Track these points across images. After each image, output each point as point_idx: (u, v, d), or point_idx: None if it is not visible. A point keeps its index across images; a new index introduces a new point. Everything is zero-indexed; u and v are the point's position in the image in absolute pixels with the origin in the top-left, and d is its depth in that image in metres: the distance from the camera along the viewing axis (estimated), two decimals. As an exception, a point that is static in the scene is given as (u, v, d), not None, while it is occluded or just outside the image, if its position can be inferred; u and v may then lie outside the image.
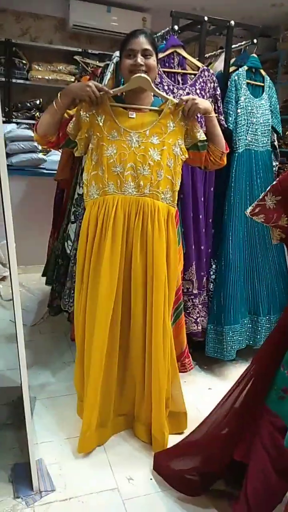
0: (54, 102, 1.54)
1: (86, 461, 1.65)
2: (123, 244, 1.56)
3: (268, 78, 2.25)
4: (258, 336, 2.26)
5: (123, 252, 1.57)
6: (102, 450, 1.71)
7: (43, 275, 2.65)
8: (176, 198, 1.62)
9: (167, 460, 1.58)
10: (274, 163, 2.31)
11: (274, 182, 1.25)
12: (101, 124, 1.54)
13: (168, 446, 1.67)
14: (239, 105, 2.07)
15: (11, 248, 1.30)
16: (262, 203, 1.25)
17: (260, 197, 1.27)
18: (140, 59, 1.51)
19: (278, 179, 1.25)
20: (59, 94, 1.53)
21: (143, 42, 1.51)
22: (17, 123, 4.04)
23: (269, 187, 1.25)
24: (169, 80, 1.95)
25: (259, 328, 2.24)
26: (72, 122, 1.55)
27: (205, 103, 1.57)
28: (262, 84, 2.21)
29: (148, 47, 1.52)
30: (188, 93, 1.95)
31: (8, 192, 1.27)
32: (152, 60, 1.54)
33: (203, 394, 2.10)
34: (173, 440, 1.68)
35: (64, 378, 2.16)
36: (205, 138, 1.61)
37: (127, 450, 1.72)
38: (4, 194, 1.24)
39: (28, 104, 4.44)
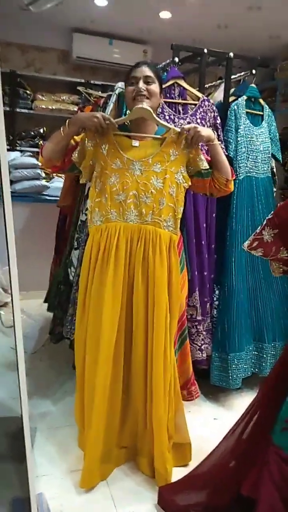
0: (61, 129, 1.58)
1: (88, 496, 1.59)
2: (125, 271, 1.56)
3: (267, 107, 2.30)
4: (264, 364, 2.22)
5: (125, 279, 1.57)
6: (105, 484, 1.65)
7: (45, 301, 2.64)
8: (179, 225, 1.62)
9: (171, 495, 1.53)
10: (273, 189, 2.33)
11: (270, 216, 1.25)
12: (104, 153, 1.57)
13: (173, 479, 1.62)
14: (239, 133, 2.10)
15: (13, 274, 1.29)
16: (259, 237, 1.25)
17: (257, 230, 1.27)
18: (141, 85, 1.55)
19: (273, 212, 1.25)
20: (67, 122, 1.58)
21: (144, 70, 1.57)
22: (21, 151, 4.11)
23: (265, 220, 1.25)
24: (170, 110, 1.99)
25: (264, 356, 2.20)
26: (77, 151, 1.59)
27: (207, 131, 1.58)
28: (261, 113, 2.26)
29: (150, 74, 1.57)
30: (189, 122, 1.99)
31: (11, 217, 1.27)
32: (154, 87, 1.58)
33: (208, 424, 2.05)
34: (177, 472, 1.63)
35: (65, 408, 2.11)
36: (208, 167, 1.62)
37: (130, 484, 1.67)
38: (7, 219, 1.24)
39: (32, 133, 4.53)
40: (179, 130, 1.57)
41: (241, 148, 2.10)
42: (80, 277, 1.65)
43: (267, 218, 1.25)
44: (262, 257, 1.27)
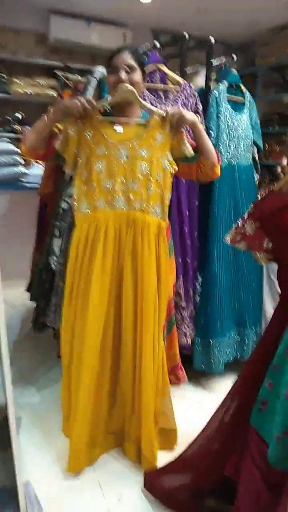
0: (45, 117, 1.54)
1: (75, 481, 1.61)
2: (114, 259, 1.56)
3: (248, 94, 2.30)
4: (246, 349, 2.26)
5: (114, 267, 1.56)
6: (92, 470, 1.68)
7: (27, 290, 2.61)
8: (167, 211, 1.62)
9: (157, 478, 1.56)
10: (255, 177, 2.35)
11: (251, 209, 1.25)
12: (89, 139, 1.54)
13: (158, 464, 1.65)
14: (220, 119, 2.10)
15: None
16: (242, 231, 1.26)
17: (239, 224, 1.27)
18: (123, 75, 1.52)
19: (253, 204, 1.25)
20: (51, 109, 1.55)
21: (126, 58, 1.53)
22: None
23: (246, 213, 1.25)
24: (151, 96, 1.97)
25: (247, 341, 2.25)
26: (60, 140, 1.55)
27: (191, 115, 1.56)
28: (243, 99, 2.26)
29: (131, 62, 1.54)
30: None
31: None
32: (136, 75, 1.55)
33: (192, 408, 2.09)
34: (163, 457, 1.66)
35: (50, 396, 2.12)
36: (193, 153, 1.60)
37: (117, 469, 1.69)
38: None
39: (9, 118, 4.41)
40: (163, 113, 1.55)
41: (223, 135, 2.10)
42: (68, 266, 1.62)
43: (247, 211, 1.26)
44: (247, 250, 1.28)
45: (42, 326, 2.20)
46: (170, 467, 1.55)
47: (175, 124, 1.54)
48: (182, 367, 2.07)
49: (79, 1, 4.02)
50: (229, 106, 2.15)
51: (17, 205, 3.43)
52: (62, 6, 4.18)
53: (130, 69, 1.54)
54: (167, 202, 1.59)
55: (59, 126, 1.57)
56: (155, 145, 1.55)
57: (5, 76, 4.29)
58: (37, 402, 2.08)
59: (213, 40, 2.15)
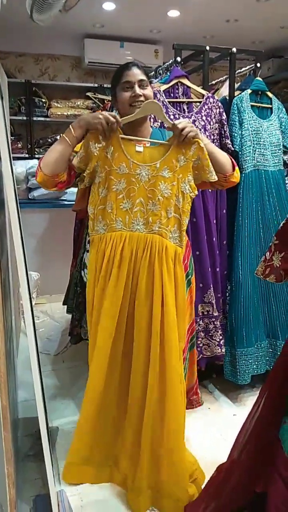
0: (65, 136, 1.45)
1: (108, 492, 1.63)
2: (128, 282, 1.49)
3: (276, 100, 2.27)
4: (279, 361, 2.19)
5: (128, 290, 1.50)
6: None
7: (63, 304, 2.70)
8: (184, 239, 1.55)
9: (198, 508, 1.49)
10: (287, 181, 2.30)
11: (274, 240, 1.23)
12: (109, 156, 1.47)
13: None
14: (243, 127, 2.09)
15: (22, 277, 1.33)
16: (270, 263, 1.24)
17: (267, 256, 1.25)
18: (138, 90, 1.48)
19: (276, 235, 1.23)
20: (71, 127, 1.45)
21: (137, 73, 1.50)
22: (39, 159, 4.20)
23: (272, 245, 1.23)
24: (174, 110, 2.00)
25: (278, 353, 2.18)
26: (79, 155, 1.47)
27: (196, 130, 1.47)
28: (270, 106, 2.23)
29: (143, 77, 1.50)
30: (194, 121, 2.00)
31: (17, 218, 1.32)
32: (149, 91, 1.51)
33: (228, 421, 2.05)
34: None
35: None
36: (216, 179, 1.51)
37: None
38: (14, 227, 1.29)
39: (49, 140, 4.62)
40: (172, 123, 1.45)
41: (246, 141, 2.09)
42: (87, 285, 1.59)
43: (272, 243, 1.24)
44: (276, 282, 1.26)
45: (78, 338, 2.26)
46: (205, 493, 1.50)
47: (186, 136, 1.43)
48: (198, 392, 2.02)
49: (111, 24, 4.17)
50: (253, 113, 2.14)
51: (56, 223, 3.56)
52: (96, 31, 4.36)
53: (144, 84, 1.50)
54: (184, 228, 1.52)
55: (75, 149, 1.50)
56: (177, 166, 1.48)
57: (45, 100, 4.51)
58: (74, 414, 2.12)
59: (234, 50, 2.16)
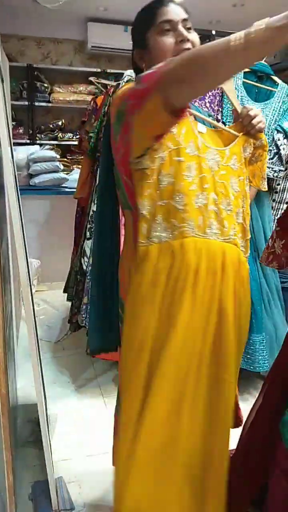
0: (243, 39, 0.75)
1: (107, 479, 1.64)
2: (207, 311, 1.03)
3: (285, 85, 2.21)
4: None
5: (209, 324, 1.04)
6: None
7: (64, 291, 2.69)
8: (248, 251, 1.17)
9: None
10: (277, 168, 2.16)
11: (275, 227, 1.21)
12: (174, 131, 1.03)
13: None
14: (228, 107, 2.02)
15: (22, 265, 1.33)
16: (272, 250, 1.23)
17: (269, 243, 1.23)
18: (185, 32, 1.05)
19: (277, 222, 1.22)
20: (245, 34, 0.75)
21: (180, 11, 1.07)
22: (41, 145, 4.16)
23: (273, 232, 1.22)
24: (243, 93, 1.93)
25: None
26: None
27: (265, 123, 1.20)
28: (270, 88, 2.16)
29: (186, 16, 1.08)
30: (200, 105, 1.95)
31: (17, 208, 1.31)
32: (196, 36, 1.08)
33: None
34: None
35: (86, 395, 2.17)
36: (266, 188, 1.28)
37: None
38: (13, 214, 1.28)
39: (51, 126, 4.56)
40: (250, 109, 1.16)
41: (228, 120, 2.02)
42: (131, 320, 1.07)
43: (274, 230, 1.23)
44: (278, 269, 1.25)
45: (77, 325, 2.26)
46: None
47: (254, 129, 1.15)
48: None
49: (115, 7, 4.08)
50: (244, 92, 2.06)
51: (58, 210, 3.54)
52: (99, 14, 4.28)
53: (188, 26, 1.07)
54: (249, 237, 1.17)
55: None
56: (242, 158, 1.14)
57: (47, 85, 4.45)
58: (73, 401, 2.13)
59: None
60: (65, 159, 4.29)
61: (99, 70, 4.63)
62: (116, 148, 1.08)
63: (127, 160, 1.04)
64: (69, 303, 2.63)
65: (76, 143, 4.13)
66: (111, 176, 1.26)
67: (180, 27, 1.05)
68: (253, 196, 1.93)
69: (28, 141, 4.39)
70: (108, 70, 4.64)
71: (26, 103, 4.37)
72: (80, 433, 1.88)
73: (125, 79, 2.11)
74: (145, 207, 1.04)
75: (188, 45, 1.04)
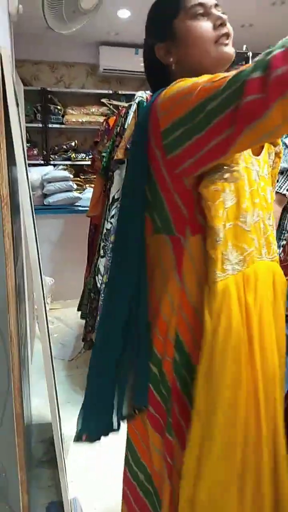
0: None
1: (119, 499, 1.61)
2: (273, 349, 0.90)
3: None
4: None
5: (271, 367, 0.89)
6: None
7: (78, 309, 2.70)
8: None
9: None
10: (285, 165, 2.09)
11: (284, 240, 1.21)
12: None
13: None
14: None
15: (37, 285, 1.34)
16: (286, 264, 1.22)
17: (282, 257, 1.22)
18: (224, 16, 0.90)
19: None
20: None
21: None
22: (54, 165, 4.25)
23: (286, 246, 1.22)
24: None
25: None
26: None
27: None
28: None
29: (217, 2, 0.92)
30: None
31: (32, 227, 1.33)
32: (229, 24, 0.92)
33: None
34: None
35: (100, 414, 2.15)
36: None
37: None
38: (28, 233, 1.30)
39: (64, 147, 4.66)
40: None
41: None
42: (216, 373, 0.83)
43: (286, 243, 1.23)
44: None
45: (91, 343, 2.26)
46: None
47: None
48: None
49: (126, 31, 4.20)
50: None
51: (71, 228, 3.58)
52: (111, 38, 4.40)
53: (222, 11, 0.92)
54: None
55: None
56: (269, 166, 0.99)
57: (60, 108, 4.56)
58: (88, 419, 2.12)
59: (250, 54, 2.15)
60: (78, 179, 4.36)
61: (110, 91, 4.73)
62: (169, 161, 0.83)
63: (191, 173, 0.82)
64: (83, 321, 2.63)
65: (89, 163, 4.21)
66: (141, 194, 0.94)
67: (215, 10, 0.90)
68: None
69: (42, 162, 4.49)
70: (120, 92, 4.75)
71: (40, 125, 4.49)
72: (94, 453, 1.86)
73: (137, 100, 2.15)
74: (215, 231, 0.84)
75: (228, 29, 0.90)
